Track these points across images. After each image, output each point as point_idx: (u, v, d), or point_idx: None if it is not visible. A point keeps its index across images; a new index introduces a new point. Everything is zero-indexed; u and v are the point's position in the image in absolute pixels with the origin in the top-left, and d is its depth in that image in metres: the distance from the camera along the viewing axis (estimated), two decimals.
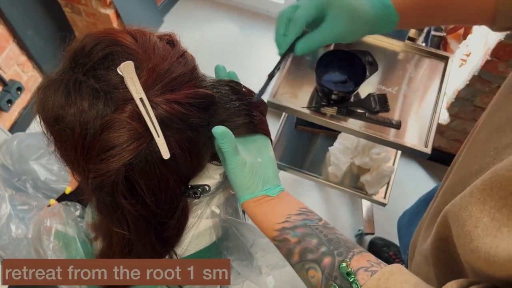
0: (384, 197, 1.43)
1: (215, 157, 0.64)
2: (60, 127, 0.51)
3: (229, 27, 2.41)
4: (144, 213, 0.57)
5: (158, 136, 0.50)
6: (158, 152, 0.51)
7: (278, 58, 0.64)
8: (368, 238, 1.81)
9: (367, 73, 1.02)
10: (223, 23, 2.42)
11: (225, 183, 0.70)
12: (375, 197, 1.42)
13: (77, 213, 1.23)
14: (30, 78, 2.01)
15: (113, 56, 0.51)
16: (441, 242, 0.54)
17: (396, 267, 0.47)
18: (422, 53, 1.25)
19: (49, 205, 1.16)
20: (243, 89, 0.63)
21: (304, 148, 1.56)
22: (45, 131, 0.56)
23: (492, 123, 0.55)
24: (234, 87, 0.62)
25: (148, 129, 0.49)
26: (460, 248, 0.44)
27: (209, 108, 0.56)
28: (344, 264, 0.48)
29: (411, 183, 1.91)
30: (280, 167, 1.57)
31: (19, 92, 1.91)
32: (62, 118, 0.51)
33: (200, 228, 0.68)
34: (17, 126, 1.98)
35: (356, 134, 1.10)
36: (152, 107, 0.49)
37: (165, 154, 0.51)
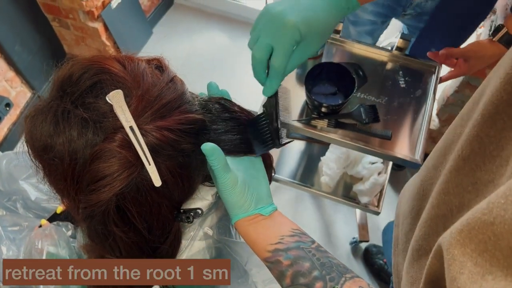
0: (377, 206, 1.43)
1: (207, 178, 0.64)
2: (48, 157, 0.51)
3: (219, 37, 2.41)
4: (136, 240, 0.56)
5: (149, 164, 0.50)
6: (149, 179, 0.50)
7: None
8: (363, 245, 1.81)
9: (356, 86, 1.02)
10: (212, 33, 2.42)
11: (218, 203, 0.70)
12: (368, 207, 1.42)
13: (69, 233, 1.22)
14: (19, 94, 1.99)
15: (102, 85, 0.51)
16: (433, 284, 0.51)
17: None
18: (410, 62, 1.25)
19: (40, 226, 1.15)
20: (235, 108, 0.62)
21: (296, 158, 1.56)
22: (33, 160, 0.55)
23: (457, 152, 0.50)
24: (225, 105, 0.61)
25: (139, 158, 0.49)
26: None
27: (200, 133, 0.56)
28: None
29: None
30: (272, 178, 1.57)
31: (7, 108, 1.90)
32: (51, 147, 0.50)
33: (193, 250, 0.67)
34: (7, 142, 1.96)
35: (347, 146, 1.10)
36: (142, 134, 0.49)
37: (157, 181, 0.50)
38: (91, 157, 0.49)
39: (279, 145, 0.62)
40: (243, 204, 0.57)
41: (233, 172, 0.56)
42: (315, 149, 1.58)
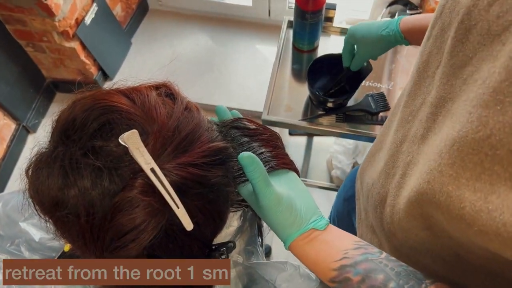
0: None
1: (231, 204, 0.58)
2: (61, 214, 0.44)
3: (201, 38, 2.33)
4: (167, 284, 0.50)
5: (178, 208, 0.43)
6: (179, 224, 0.44)
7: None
8: None
9: (362, 75, 0.97)
10: (194, 35, 2.34)
11: (242, 227, 0.65)
12: None
13: None
14: (3, 127, 1.91)
15: (111, 125, 0.44)
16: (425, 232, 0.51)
17: None
18: None
19: None
20: (250, 125, 0.58)
21: (301, 155, 1.51)
22: (42, 216, 0.48)
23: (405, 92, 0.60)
24: (240, 126, 0.56)
25: (165, 202, 0.43)
26: (459, 232, 0.41)
27: (226, 162, 0.50)
28: None
29: None
30: None
31: None
32: (63, 202, 0.43)
33: None
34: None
35: (359, 139, 1.05)
36: (165, 175, 0.43)
37: (188, 225, 0.44)
38: (111, 210, 0.42)
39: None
40: (294, 221, 0.52)
41: (275, 186, 0.51)
42: (319, 141, 1.53)
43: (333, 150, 1.40)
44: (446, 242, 0.48)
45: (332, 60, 1.03)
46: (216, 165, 0.48)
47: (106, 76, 2.14)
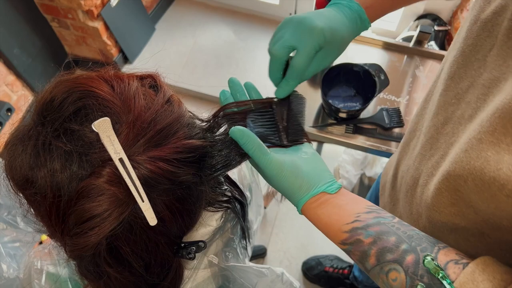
0: None
1: (210, 203, 0.58)
2: (30, 192, 0.45)
3: (224, 31, 2.32)
4: (133, 279, 0.50)
5: (143, 201, 0.43)
6: (143, 217, 0.44)
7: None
8: None
9: (377, 89, 0.94)
10: (217, 28, 2.33)
11: (223, 228, 0.64)
12: None
13: None
14: (20, 98, 1.93)
15: (87, 110, 0.44)
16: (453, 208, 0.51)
17: (490, 258, 0.42)
18: (431, 56, 1.16)
19: (40, 242, 1.09)
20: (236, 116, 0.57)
21: None
22: (16, 192, 0.48)
23: (443, 77, 0.58)
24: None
25: (131, 194, 0.42)
26: (487, 201, 0.41)
27: (201, 161, 0.50)
28: (429, 259, 0.43)
29: None
30: None
31: (9, 113, 1.84)
32: (32, 181, 0.44)
33: (197, 280, 0.62)
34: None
35: (368, 151, 1.03)
36: (134, 167, 0.42)
37: (152, 220, 0.44)
38: (76, 195, 0.42)
39: (286, 144, 0.58)
40: (301, 185, 0.52)
41: (273, 154, 0.52)
42: (328, 150, 1.51)
43: (341, 159, 1.38)
44: (472, 218, 0.48)
45: (349, 69, 1.00)
46: (189, 163, 0.47)
47: (126, 59, 2.15)
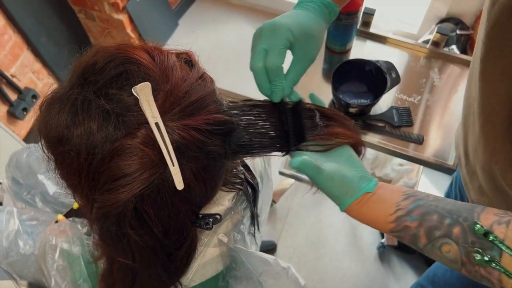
0: None
1: (225, 182, 0.60)
2: (63, 150, 0.47)
3: (245, 29, 2.35)
4: (151, 244, 0.52)
5: (173, 165, 0.45)
6: (171, 181, 0.46)
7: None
8: (390, 250, 1.73)
9: (388, 86, 0.94)
10: (239, 25, 2.36)
11: (234, 209, 0.65)
12: None
13: (85, 229, 1.20)
14: (46, 85, 2.01)
15: (128, 75, 0.46)
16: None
17: None
18: (446, 58, 1.16)
19: (56, 221, 1.13)
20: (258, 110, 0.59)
21: None
22: (46, 151, 0.51)
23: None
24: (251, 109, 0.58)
25: (163, 157, 0.44)
26: None
27: (227, 135, 0.52)
28: (478, 226, 0.47)
29: (436, 194, 1.82)
30: (298, 179, 1.51)
31: (34, 100, 1.91)
32: (67, 139, 0.46)
33: (206, 257, 0.64)
34: (33, 134, 1.98)
35: (375, 148, 1.03)
36: (168, 132, 0.44)
37: (179, 184, 0.46)
38: (110, 153, 0.44)
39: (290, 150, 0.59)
40: (347, 190, 0.55)
41: (325, 169, 0.56)
42: None
43: None
44: None
45: (361, 65, 1.01)
46: (218, 135, 0.49)
47: None
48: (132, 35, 2.04)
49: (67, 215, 1.21)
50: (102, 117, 0.44)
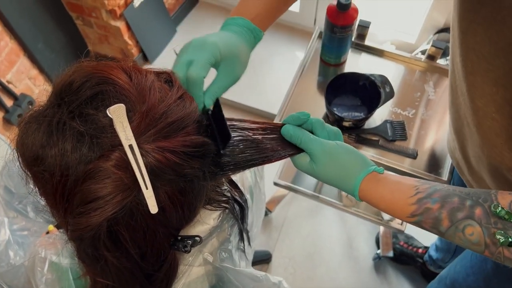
0: (402, 223, 1.34)
1: (210, 201, 0.59)
2: (38, 169, 0.47)
3: None
4: (129, 266, 0.52)
5: (147, 189, 0.44)
6: (145, 204, 0.45)
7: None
8: (386, 261, 1.72)
9: (382, 100, 0.94)
10: None
11: (220, 227, 0.65)
12: (392, 224, 1.33)
13: None
14: (42, 92, 1.99)
15: (103, 96, 0.46)
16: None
17: None
18: (442, 72, 1.15)
19: (47, 232, 1.12)
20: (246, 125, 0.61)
21: None
22: (23, 169, 0.51)
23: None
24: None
25: (136, 180, 0.44)
26: None
27: (206, 157, 0.51)
28: (499, 208, 0.48)
29: None
30: (291, 189, 1.50)
31: (30, 106, 1.90)
32: (42, 159, 0.46)
33: (191, 277, 0.63)
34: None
35: None
36: (142, 155, 0.44)
37: (153, 208, 0.45)
38: (83, 175, 0.44)
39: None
40: (356, 161, 0.56)
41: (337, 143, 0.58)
42: None
43: None
44: None
45: (355, 78, 1.00)
46: (195, 157, 0.49)
47: (146, 60, 2.20)
48: (130, 42, 2.04)
49: (57, 226, 1.20)
50: (76, 138, 0.44)
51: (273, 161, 0.60)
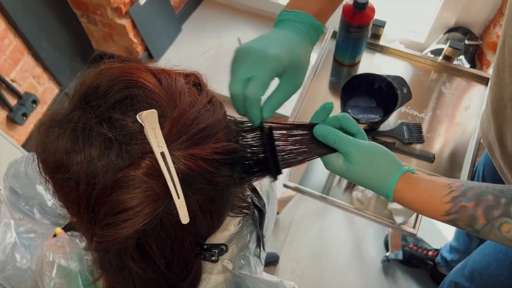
0: (414, 227, 1.31)
1: (232, 208, 0.57)
2: (62, 177, 0.44)
3: (249, 34, 2.32)
4: (153, 276, 0.50)
5: (179, 198, 0.42)
6: (175, 214, 0.43)
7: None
8: (394, 264, 1.70)
9: (399, 102, 0.91)
10: (243, 31, 2.33)
11: (240, 233, 0.63)
12: (403, 227, 1.31)
13: (83, 244, 1.17)
14: (46, 90, 1.98)
15: (133, 100, 0.43)
16: None
17: None
18: (459, 73, 1.13)
19: (55, 235, 1.10)
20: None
21: (324, 169, 1.46)
22: (44, 175, 0.48)
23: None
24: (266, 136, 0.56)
25: (167, 189, 0.42)
26: None
27: (236, 164, 0.49)
28: None
29: None
30: (298, 190, 1.48)
31: (34, 105, 1.88)
32: (66, 166, 0.43)
33: (210, 285, 0.61)
34: (33, 140, 1.95)
35: None
36: (173, 163, 0.41)
37: (184, 218, 0.43)
38: (112, 185, 0.41)
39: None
40: (391, 161, 0.55)
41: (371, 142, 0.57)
42: None
43: None
44: None
45: (371, 80, 0.98)
46: (226, 164, 0.47)
47: (151, 57, 2.17)
48: (135, 40, 2.01)
49: (65, 228, 1.18)
50: (104, 144, 0.42)
51: (304, 163, 0.58)
